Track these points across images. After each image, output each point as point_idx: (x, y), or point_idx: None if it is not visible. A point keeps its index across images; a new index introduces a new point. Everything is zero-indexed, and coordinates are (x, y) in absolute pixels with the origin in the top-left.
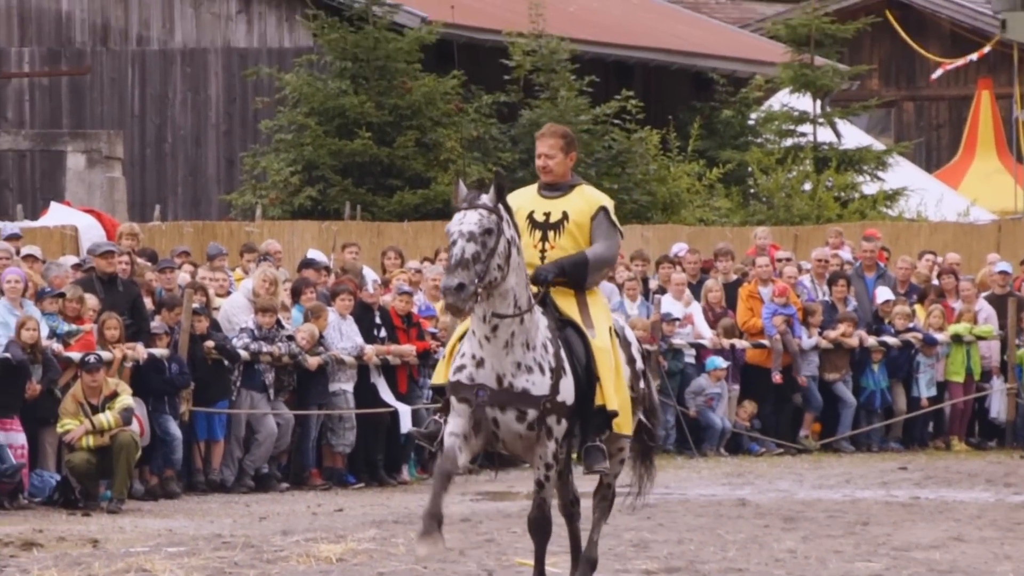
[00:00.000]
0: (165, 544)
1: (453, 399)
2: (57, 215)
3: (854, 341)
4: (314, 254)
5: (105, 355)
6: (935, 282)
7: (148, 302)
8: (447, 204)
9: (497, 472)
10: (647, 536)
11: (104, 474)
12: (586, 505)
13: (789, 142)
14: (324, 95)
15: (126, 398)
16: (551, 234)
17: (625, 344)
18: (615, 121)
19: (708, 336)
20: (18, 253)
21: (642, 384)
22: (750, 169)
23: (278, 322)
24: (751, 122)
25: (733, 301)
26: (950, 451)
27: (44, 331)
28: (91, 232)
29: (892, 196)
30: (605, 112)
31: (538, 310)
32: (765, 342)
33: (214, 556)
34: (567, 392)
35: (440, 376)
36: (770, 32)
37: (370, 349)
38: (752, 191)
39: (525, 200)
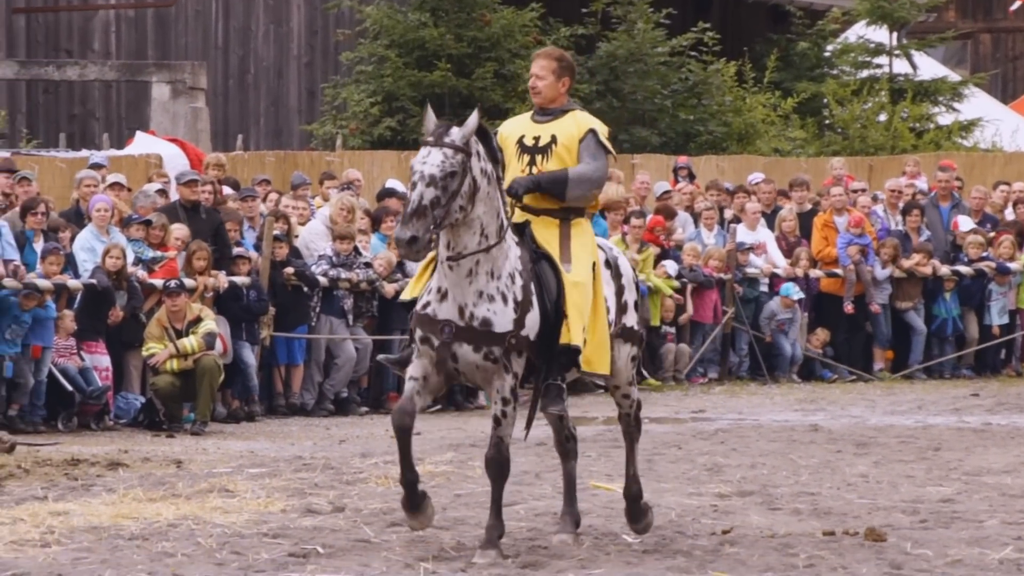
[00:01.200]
0: (247, 465)
1: (417, 336)
2: (142, 144)
3: (928, 270)
4: (393, 183)
5: (188, 281)
6: (1009, 212)
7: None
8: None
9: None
10: (720, 460)
11: (187, 397)
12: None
13: (865, 74)
14: (404, 27)
15: (209, 323)
16: (539, 158)
17: (616, 275)
18: (691, 53)
19: (781, 265)
20: (104, 181)
21: (627, 319)
22: (826, 100)
23: (356, 249)
24: (827, 54)
25: (807, 230)
26: (1022, 378)
27: (130, 258)
28: (175, 161)
29: (967, 127)
30: (682, 44)
31: (511, 239)
32: (839, 271)
33: (295, 477)
34: (531, 326)
35: (410, 292)
36: None
37: None
38: (827, 122)
39: (517, 126)
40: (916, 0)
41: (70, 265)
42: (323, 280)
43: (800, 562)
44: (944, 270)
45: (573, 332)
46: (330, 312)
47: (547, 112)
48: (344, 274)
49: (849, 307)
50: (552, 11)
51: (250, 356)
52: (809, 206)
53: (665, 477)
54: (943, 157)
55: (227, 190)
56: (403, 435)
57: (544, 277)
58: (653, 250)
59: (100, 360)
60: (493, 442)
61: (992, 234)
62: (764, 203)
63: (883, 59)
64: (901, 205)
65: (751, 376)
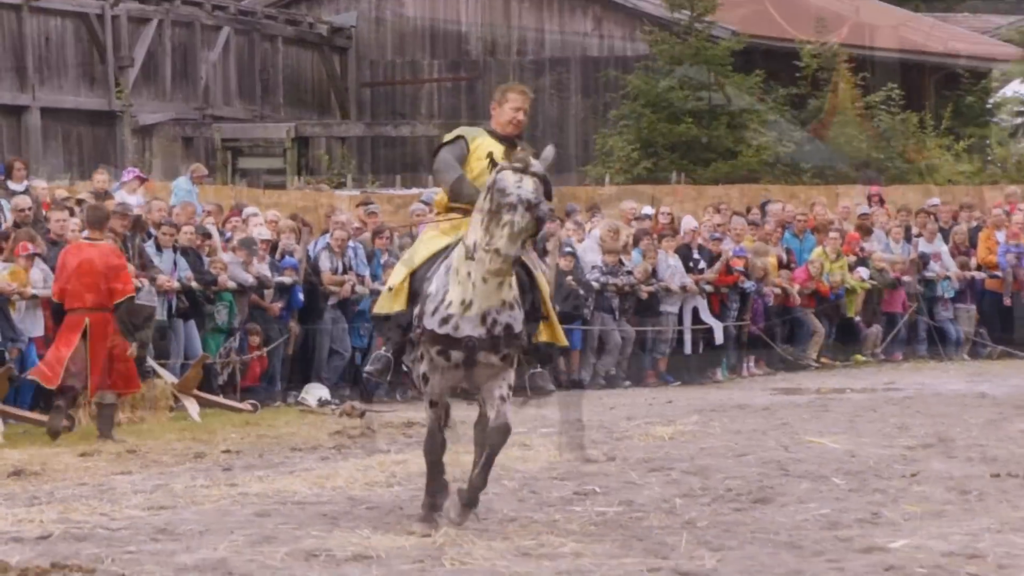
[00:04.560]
0: (539, 426)
1: (433, 351)
2: None
3: None
4: (647, 210)
5: None
6: None
7: None
8: (751, 171)
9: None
10: (908, 420)
11: None
12: None
13: (1019, 120)
14: (657, 91)
15: None
16: None
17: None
18: (882, 107)
19: (953, 270)
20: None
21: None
22: (988, 141)
23: (620, 261)
24: (989, 106)
25: (975, 242)
26: None
27: None
28: None
29: None
30: (874, 100)
31: None
32: (999, 273)
33: (576, 435)
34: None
35: (384, 306)
36: (1004, 37)
37: (690, 281)
38: (989, 158)
39: (484, 141)
40: None
41: None
42: (595, 284)
43: (972, 497)
44: None
45: (558, 335)
46: (601, 308)
47: (505, 138)
48: (612, 280)
49: (1007, 300)
50: (772, 76)
51: None
52: (975, 223)
53: (864, 433)
54: None
55: None
56: (436, 467)
57: (521, 280)
58: (846, 259)
59: None
60: (504, 417)
61: None
62: (941, 221)
63: None
64: None
65: (930, 355)
